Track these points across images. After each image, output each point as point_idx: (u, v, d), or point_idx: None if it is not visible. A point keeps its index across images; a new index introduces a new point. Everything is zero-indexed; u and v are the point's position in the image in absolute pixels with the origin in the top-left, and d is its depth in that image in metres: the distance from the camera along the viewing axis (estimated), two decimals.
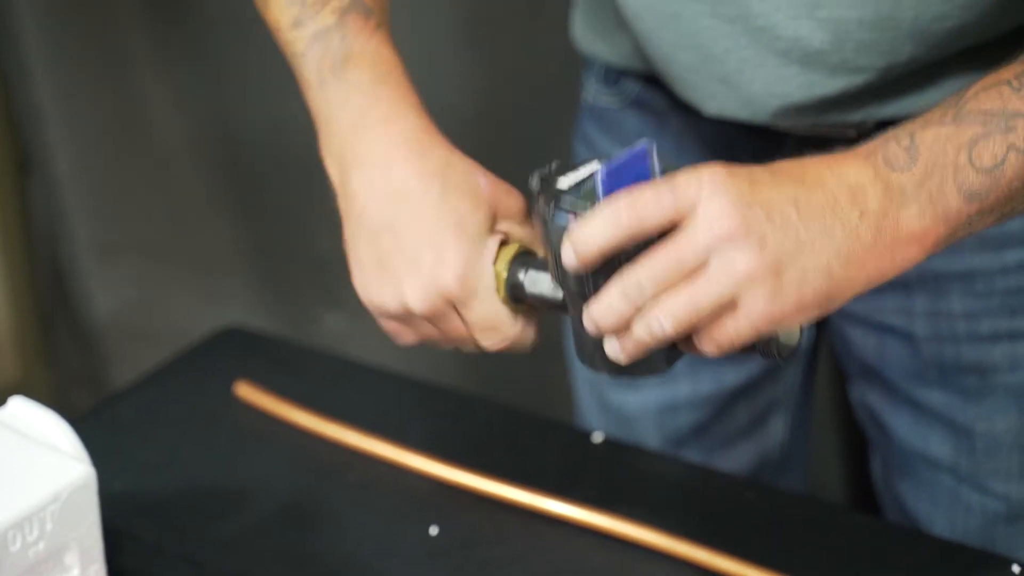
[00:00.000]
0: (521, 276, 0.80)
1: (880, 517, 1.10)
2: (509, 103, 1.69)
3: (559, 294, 0.78)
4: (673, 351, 0.76)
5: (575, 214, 0.73)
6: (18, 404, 0.89)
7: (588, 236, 0.71)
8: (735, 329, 0.72)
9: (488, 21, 1.66)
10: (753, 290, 0.70)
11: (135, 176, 1.93)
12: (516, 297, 0.80)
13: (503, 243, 0.82)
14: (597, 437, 1.02)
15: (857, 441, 1.21)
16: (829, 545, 0.91)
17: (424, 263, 0.80)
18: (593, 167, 0.75)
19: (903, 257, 0.73)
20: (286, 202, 1.86)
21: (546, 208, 0.74)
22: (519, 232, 0.83)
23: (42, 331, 2.04)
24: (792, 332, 0.75)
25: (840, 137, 0.96)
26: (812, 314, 0.72)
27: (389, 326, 0.85)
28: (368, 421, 1.04)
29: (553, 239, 0.74)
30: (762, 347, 0.74)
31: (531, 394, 1.68)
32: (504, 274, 0.80)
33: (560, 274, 0.75)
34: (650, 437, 1.14)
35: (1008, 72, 0.75)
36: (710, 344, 0.73)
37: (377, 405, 1.08)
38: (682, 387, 1.12)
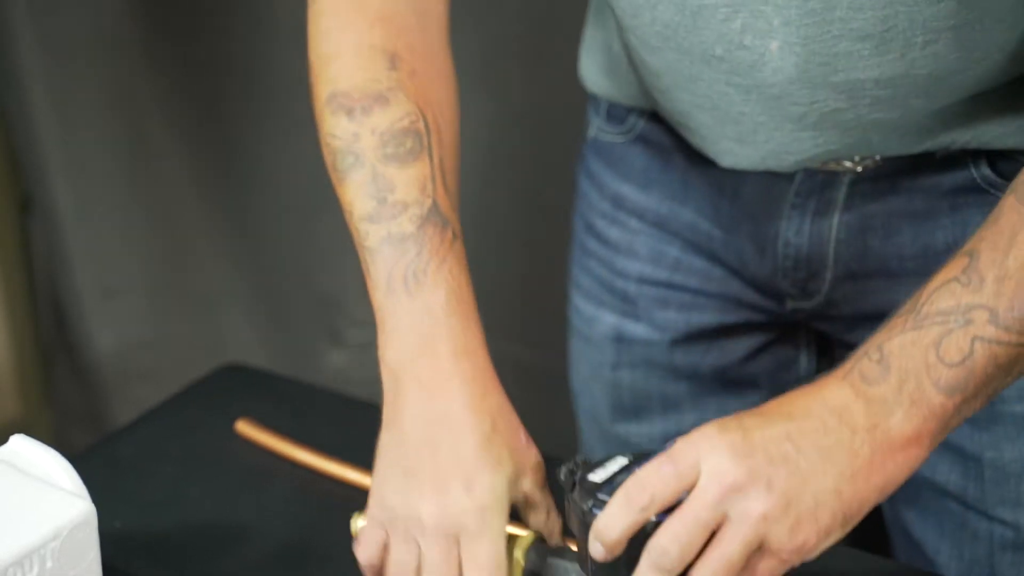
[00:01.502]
0: (537, 564, 0.85)
1: (889, 558, 1.09)
2: (518, 137, 1.70)
3: None
4: None
5: None
6: (18, 442, 0.89)
7: (609, 526, 0.77)
8: (769, 568, 0.76)
9: (498, 58, 1.67)
10: (774, 529, 0.75)
11: (136, 215, 1.93)
12: None
13: (516, 535, 0.86)
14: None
15: None
16: None
17: (453, 486, 0.83)
18: (620, 463, 0.81)
19: (905, 460, 0.77)
20: (288, 241, 1.87)
21: (583, 504, 0.79)
22: (534, 493, 0.86)
23: (43, 369, 2.04)
24: None
25: (846, 171, 0.96)
26: (836, 535, 0.77)
27: (367, 550, 0.86)
28: (369, 458, 1.04)
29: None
30: None
31: (537, 430, 1.68)
32: (522, 561, 0.85)
33: (593, 564, 0.79)
34: None
35: (954, 269, 0.79)
36: None
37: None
38: (687, 417, 1.12)
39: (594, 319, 1.13)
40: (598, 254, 1.12)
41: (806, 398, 0.78)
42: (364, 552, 0.85)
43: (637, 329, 1.10)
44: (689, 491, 0.76)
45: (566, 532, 0.83)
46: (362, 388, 1.79)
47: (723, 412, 1.12)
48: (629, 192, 1.08)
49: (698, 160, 1.02)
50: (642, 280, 1.09)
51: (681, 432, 1.12)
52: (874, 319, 1.01)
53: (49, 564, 0.82)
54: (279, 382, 1.17)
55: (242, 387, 1.15)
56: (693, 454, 0.76)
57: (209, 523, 1.00)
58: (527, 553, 0.85)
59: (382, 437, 0.86)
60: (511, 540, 0.86)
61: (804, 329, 1.10)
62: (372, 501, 0.86)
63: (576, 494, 0.81)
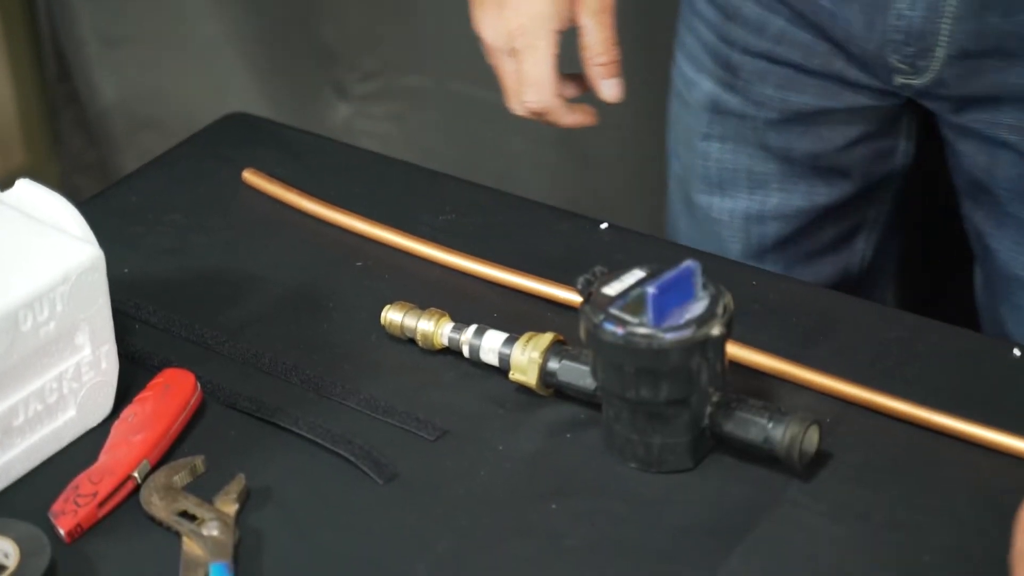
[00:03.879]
0: (554, 365, 0.86)
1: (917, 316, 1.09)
2: None
3: (588, 385, 0.85)
4: (700, 449, 0.83)
5: (623, 323, 0.80)
6: (25, 186, 0.89)
7: None
8: None
9: None
10: None
11: None
12: (547, 383, 0.87)
13: (538, 332, 0.87)
14: (604, 225, 1.02)
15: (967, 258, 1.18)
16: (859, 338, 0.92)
17: (507, 9, 0.93)
18: (637, 276, 0.82)
19: None
20: None
21: (594, 317, 0.81)
22: (586, 21, 0.92)
23: (48, 119, 2.03)
24: (812, 441, 0.81)
25: None
26: None
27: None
28: (376, 209, 1.04)
29: (600, 344, 0.80)
30: (784, 455, 0.80)
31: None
32: (539, 360, 0.86)
33: (601, 374, 0.82)
34: (733, 244, 1.13)
35: None
36: None
37: (385, 193, 1.08)
38: (772, 198, 1.10)
39: (693, 83, 1.11)
40: (706, 16, 1.08)
41: None
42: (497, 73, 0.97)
43: (733, 101, 1.08)
44: None
45: (579, 341, 0.84)
46: (367, 140, 1.79)
47: (811, 197, 1.10)
48: None
49: None
50: (745, 50, 1.06)
51: (764, 212, 1.11)
52: (985, 101, 0.98)
53: (59, 308, 0.83)
54: (285, 132, 1.16)
55: (248, 137, 1.14)
56: None
57: (217, 271, 1.01)
58: (544, 353, 0.86)
59: None
60: (530, 340, 0.87)
61: (907, 118, 1.07)
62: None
63: (588, 306, 0.82)
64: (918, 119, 1.08)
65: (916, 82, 1.00)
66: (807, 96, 1.05)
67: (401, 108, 1.81)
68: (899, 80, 1.00)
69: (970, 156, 1.03)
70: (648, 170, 1.52)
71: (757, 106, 1.07)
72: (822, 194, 1.11)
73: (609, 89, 0.94)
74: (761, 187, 1.10)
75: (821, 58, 1.03)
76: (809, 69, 1.04)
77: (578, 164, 1.75)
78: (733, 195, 1.11)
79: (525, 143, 1.75)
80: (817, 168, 1.09)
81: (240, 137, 1.14)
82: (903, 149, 1.10)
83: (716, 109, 1.10)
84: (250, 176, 1.08)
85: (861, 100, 1.04)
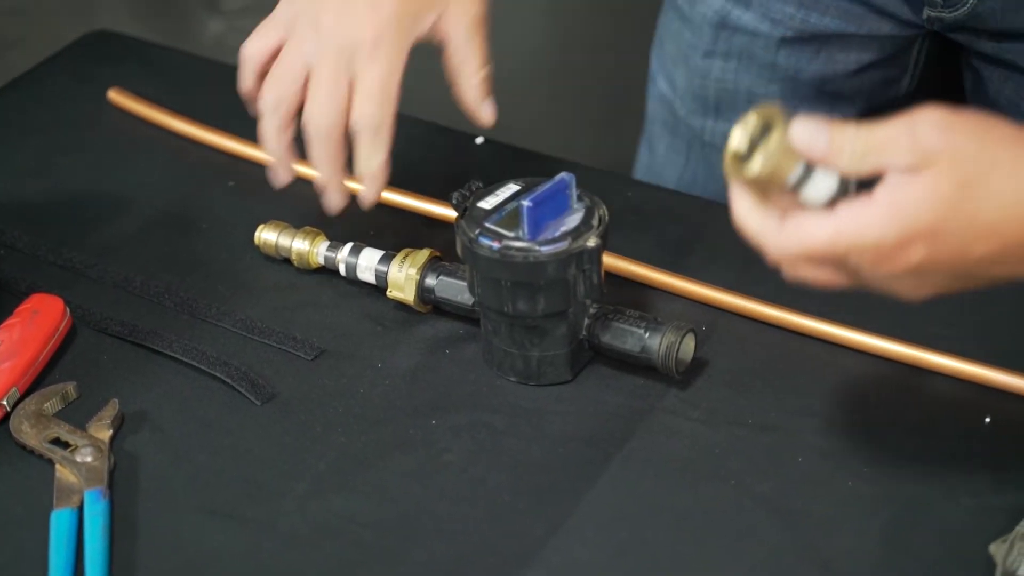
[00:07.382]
0: (431, 281, 0.85)
1: None
2: None
3: (465, 300, 0.84)
4: (579, 360, 0.83)
5: (499, 237, 0.79)
6: None
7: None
8: (833, 281, 0.69)
9: None
10: (897, 283, 0.68)
11: None
12: (425, 299, 0.86)
13: (414, 249, 0.87)
14: (479, 140, 1.02)
15: None
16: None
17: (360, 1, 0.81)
18: (512, 189, 0.82)
19: None
20: None
21: (469, 231, 0.80)
22: (455, 35, 0.83)
23: None
24: (688, 349, 0.82)
25: None
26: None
27: (255, 43, 0.86)
28: (248, 127, 1.02)
29: (477, 259, 0.80)
30: (661, 363, 0.81)
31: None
32: (416, 277, 0.85)
33: (478, 289, 0.82)
34: None
35: None
36: None
37: None
38: None
39: None
40: None
41: None
42: (252, 44, 0.84)
43: (745, 17, 1.02)
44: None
45: (456, 257, 0.83)
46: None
47: None
48: None
49: None
50: None
51: None
52: (1018, 37, 0.93)
53: None
54: (152, 50, 1.14)
55: (113, 55, 1.12)
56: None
57: (85, 192, 0.99)
58: (421, 269, 0.86)
59: None
60: (407, 256, 0.87)
61: (920, 44, 1.03)
62: (280, 2, 0.84)
63: (464, 221, 0.81)
64: (933, 45, 1.04)
65: (948, 16, 0.96)
66: (828, 17, 1.00)
67: None
68: (929, 12, 0.97)
69: (995, 83, 0.99)
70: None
71: (773, 23, 1.01)
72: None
73: (488, 110, 0.86)
74: None
75: None
76: None
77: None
78: (729, 117, 1.06)
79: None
80: (822, 92, 1.04)
81: (105, 55, 1.11)
82: (910, 75, 1.06)
83: (724, 25, 1.03)
84: (116, 95, 1.05)
85: (883, 28, 1.01)
